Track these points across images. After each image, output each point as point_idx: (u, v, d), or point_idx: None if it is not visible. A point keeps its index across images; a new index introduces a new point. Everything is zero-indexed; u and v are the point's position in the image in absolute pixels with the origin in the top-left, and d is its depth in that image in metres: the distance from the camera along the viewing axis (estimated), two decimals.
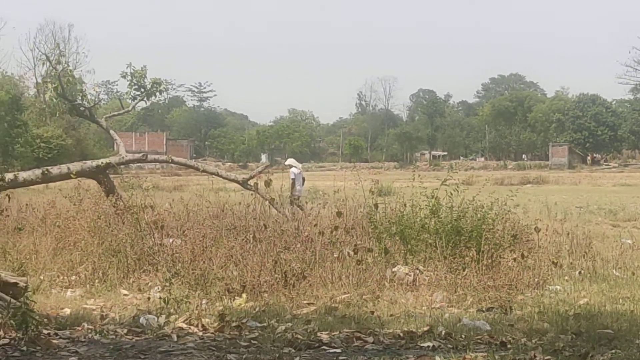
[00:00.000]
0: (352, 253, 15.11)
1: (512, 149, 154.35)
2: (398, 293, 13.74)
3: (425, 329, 10.63)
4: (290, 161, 30.55)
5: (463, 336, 10.29)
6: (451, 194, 16.42)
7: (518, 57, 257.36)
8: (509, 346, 9.72)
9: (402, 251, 15.84)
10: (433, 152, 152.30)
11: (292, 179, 28.17)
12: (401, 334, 10.36)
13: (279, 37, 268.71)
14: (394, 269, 14.86)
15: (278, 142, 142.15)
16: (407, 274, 14.64)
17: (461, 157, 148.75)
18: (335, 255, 15.17)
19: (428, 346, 9.73)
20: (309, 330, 10.20)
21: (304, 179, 29.76)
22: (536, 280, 14.49)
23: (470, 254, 14.76)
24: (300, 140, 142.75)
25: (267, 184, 19.59)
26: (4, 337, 9.16)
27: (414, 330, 10.63)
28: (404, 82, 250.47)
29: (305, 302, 13.11)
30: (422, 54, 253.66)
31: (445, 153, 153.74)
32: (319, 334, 10.16)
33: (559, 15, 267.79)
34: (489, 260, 14.86)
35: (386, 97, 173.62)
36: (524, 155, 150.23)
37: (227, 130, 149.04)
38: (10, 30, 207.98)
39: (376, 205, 17.15)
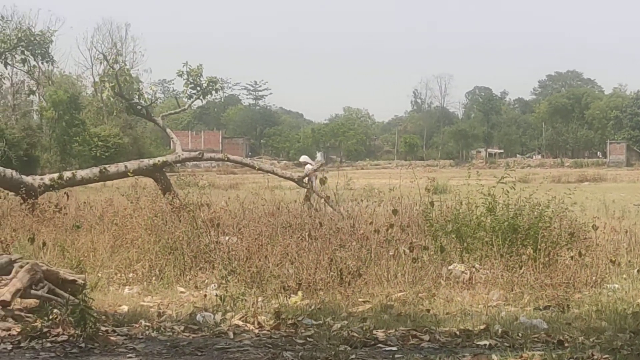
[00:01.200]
0: (407, 251, 15.06)
1: (569, 147, 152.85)
2: (454, 291, 13.69)
3: (482, 327, 10.58)
4: (304, 158, 30.75)
5: (520, 335, 10.22)
6: (507, 191, 16.32)
7: (575, 54, 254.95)
8: (566, 345, 9.65)
9: (458, 249, 15.78)
10: (489, 150, 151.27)
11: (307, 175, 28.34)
12: (457, 332, 10.32)
13: (334, 37, 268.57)
14: (450, 267, 14.80)
15: (333, 140, 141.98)
16: (463, 272, 14.58)
17: (517, 155, 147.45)
18: (390, 253, 15.13)
19: (484, 344, 9.68)
20: (364, 328, 10.19)
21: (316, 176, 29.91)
22: (594, 278, 14.33)
23: (527, 252, 14.67)
24: (355, 138, 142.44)
25: (323, 181, 19.60)
26: (63, 334, 9.25)
27: (470, 328, 10.58)
28: (459, 79, 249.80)
29: (360, 300, 13.10)
30: (478, 51, 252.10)
31: (502, 151, 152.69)
32: (374, 332, 10.15)
33: (616, 13, 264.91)
34: (546, 259, 14.74)
35: (442, 95, 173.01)
36: (585, 153, 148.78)
37: (283, 128, 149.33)
38: (68, 30, 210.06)
39: (432, 203, 17.10)
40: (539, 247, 14.94)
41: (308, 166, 28.80)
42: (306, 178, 24.39)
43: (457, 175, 39.74)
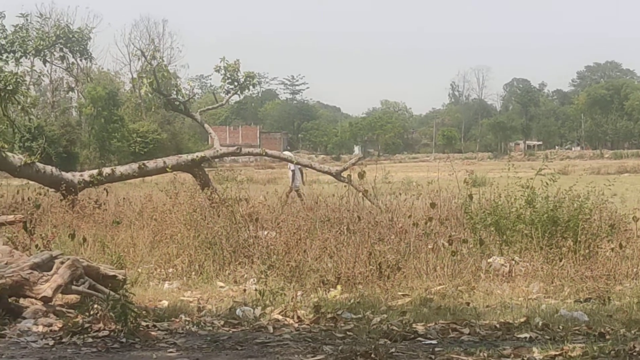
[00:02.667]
0: (446, 244, 15.03)
1: (608, 138, 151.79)
2: (494, 284, 13.64)
3: (522, 320, 10.53)
4: (287, 154, 30.97)
5: (560, 327, 10.17)
6: (547, 183, 16.23)
7: (614, 45, 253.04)
8: (607, 337, 9.59)
9: (498, 242, 15.72)
10: (527, 142, 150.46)
11: (292, 170, 28.58)
12: (497, 325, 10.28)
13: (370, 29, 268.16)
14: (489, 260, 14.75)
15: (371, 133, 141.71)
16: (502, 264, 14.53)
17: (556, 147, 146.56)
18: (429, 247, 15.11)
19: (525, 337, 9.64)
20: (404, 322, 10.18)
21: (300, 171, 30.23)
22: (635, 270, 14.23)
23: (567, 245, 14.59)
24: (393, 132, 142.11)
25: (361, 175, 19.58)
26: (104, 329, 9.30)
27: (510, 321, 10.54)
28: (497, 71, 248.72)
29: (400, 293, 13.08)
30: (515, 43, 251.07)
31: (540, 143, 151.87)
32: (414, 325, 10.14)
33: None
34: (586, 251, 14.65)
35: (479, 87, 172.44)
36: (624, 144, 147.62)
37: (320, 122, 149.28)
38: (106, 27, 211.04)
39: (471, 196, 17.04)
40: (579, 239, 14.85)
41: (290, 166, 29.12)
42: (346, 172, 24.39)
43: (495, 168, 39.52)
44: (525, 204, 16.14)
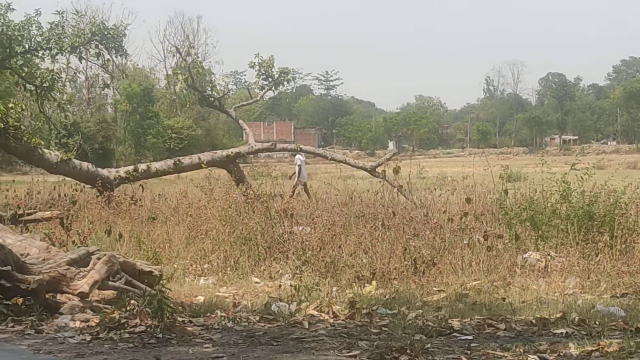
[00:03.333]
0: (482, 239, 14.99)
1: None
2: (529, 279, 13.59)
3: (558, 315, 10.48)
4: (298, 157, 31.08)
5: (597, 322, 10.12)
6: (582, 178, 16.14)
7: None
8: None
9: (533, 237, 15.64)
10: (563, 137, 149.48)
11: (299, 165, 28.62)
12: (533, 321, 10.24)
13: (404, 24, 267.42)
14: (525, 255, 14.70)
15: (405, 129, 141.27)
16: (538, 260, 14.46)
17: (592, 141, 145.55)
18: (464, 242, 15.07)
19: (561, 333, 9.60)
20: (439, 317, 10.17)
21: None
22: None
23: (603, 239, 14.49)
24: (428, 127, 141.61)
25: (395, 171, 19.57)
26: (141, 325, 9.35)
27: (546, 316, 10.49)
28: (532, 66, 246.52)
29: (435, 289, 13.07)
30: (550, 37, 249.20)
31: (576, 137, 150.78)
32: (449, 320, 10.12)
33: None
34: (623, 246, 14.55)
35: (514, 82, 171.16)
36: None
37: (354, 118, 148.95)
38: (141, 24, 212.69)
39: (506, 191, 16.98)
40: (615, 234, 14.75)
41: (299, 156, 29.13)
42: (380, 167, 24.43)
43: (531, 163, 39.27)
44: (561, 199, 16.06)
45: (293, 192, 25.74)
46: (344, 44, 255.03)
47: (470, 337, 9.28)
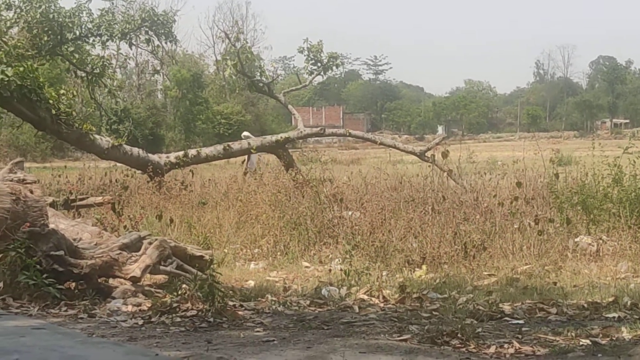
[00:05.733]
0: (532, 224, 14.90)
1: None
2: (581, 263, 13.50)
3: (610, 299, 10.39)
4: (246, 134, 31.05)
5: None
6: (634, 162, 15.98)
7: None
8: None
9: (585, 221, 15.53)
10: (614, 120, 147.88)
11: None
12: (585, 305, 10.16)
13: (454, 7, 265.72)
14: (576, 239, 14.60)
15: (454, 113, 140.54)
16: (590, 244, 14.36)
17: None
18: (515, 226, 15.00)
19: (613, 317, 9.51)
20: (490, 302, 10.12)
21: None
22: None
23: None
24: (477, 111, 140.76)
25: (445, 155, 19.49)
26: (192, 309, 9.40)
27: (598, 301, 10.41)
28: (583, 49, 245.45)
29: (485, 273, 13.02)
30: (601, 20, 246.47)
31: (627, 121, 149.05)
32: (500, 305, 10.07)
33: None
34: None
35: (565, 65, 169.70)
36: None
37: (403, 102, 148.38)
38: (190, 10, 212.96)
39: (557, 175, 16.86)
40: None
41: (248, 140, 29.12)
42: (430, 152, 24.38)
43: (581, 147, 38.93)
44: (613, 183, 15.92)
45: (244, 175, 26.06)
46: (393, 28, 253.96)
47: (521, 322, 9.24)
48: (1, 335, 6.85)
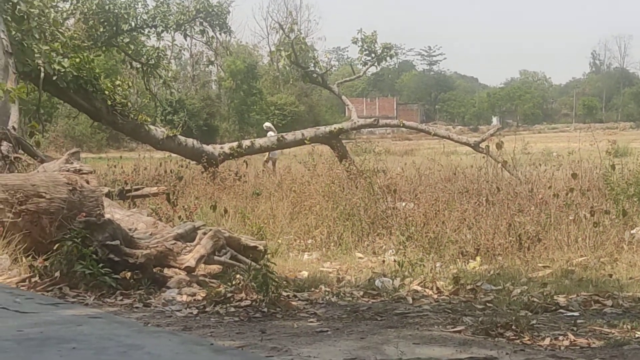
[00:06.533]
0: (588, 215, 14.78)
1: None
2: (637, 255, 13.37)
3: None
4: (267, 125, 31.11)
5: None
6: None
7: None
8: None
9: None
10: None
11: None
12: None
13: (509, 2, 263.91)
14: (632, 231, 14.46)
15: (509, 104, 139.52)
16: None
17: None
18: (570, 218, 14.89)
19: None
20: (545, 294, 10.05)
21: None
22: None
23: None
24: (532, 102, 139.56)
25: (499, 146, 19.39)
26: (246, 299, 9.44)
27: None
28: (639, 39, 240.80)
29: (540, 265, 12.95)
30: None
31: None
32: (555, 297, 10.00)
33: None
34: None
35: (621, 56, 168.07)
36: None
37: (457, 93, 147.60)
38: (244, 1, 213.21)
39: (613, 166, 16.71)
40: None
41: (270, 133, 29.20)
42: (484, 143, 24.27)
43: (638, 138, 38.61)
44: None
45: (264, 166, 26.26)
46: (448, 18, 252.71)
47: (576, 314, 9.17)
48: (59, 324, 6.93)
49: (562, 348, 7.33)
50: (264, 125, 33.52)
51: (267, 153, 28.61)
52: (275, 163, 28.58)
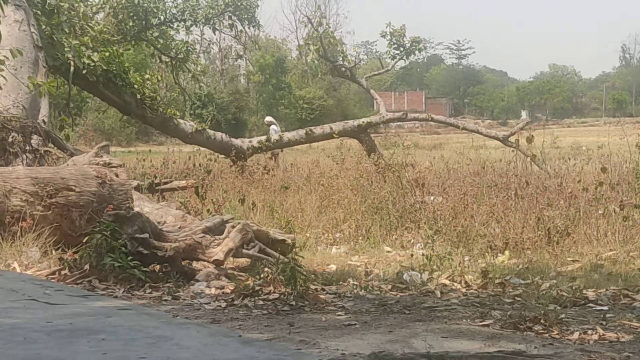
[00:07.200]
0: (617, 209, 14.71)
1: None
2: None
3: None
4: (269, 119, 31.16)
5: None
6: None
7: None
8: None
9: None
10: None
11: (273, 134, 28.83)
12: None
13: None
14: None
15: (538, 98, 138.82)
16: None
17: None
18: (600, 212, 14.81)
19: None
20: (574, 288, 10.01)
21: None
22: None
23: None
24: (561, 96, 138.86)
25: (529, 140, 19.33)
26: (274, 292, 9.47)
27: None
28: None
29: (569, 259, 12.90)
30: None
31: None
32: (584, 291, 9.96)
33: None
34: None
35: None
36: None
37: (486, 87, 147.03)
38: None
39: None
40: None
41: (273, 127, 29.24)
42: (513, 137, 24.22)
43: None
44: None
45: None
46: (476, 12, 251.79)
47: (605, 308, 9.13)
48: (88, 315, 6.98)
49: (591, 342, 7.31)
50: (265, 119, 33.64)
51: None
52: (278, 155, 28.69)
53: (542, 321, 7.89)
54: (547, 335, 7.57)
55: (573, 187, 16.11)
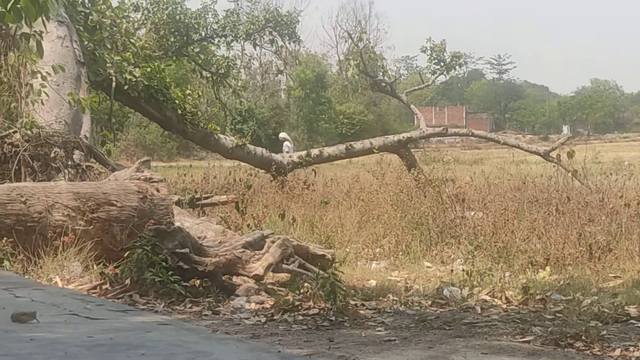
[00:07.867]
0: None
1: None
2: None
3: None
4: (283, 135, 31.16)
5: None
6: None
7: None
8: None
9: None
10: None
11: (287, 152, 28.77)
12: None
13: (578, 7, 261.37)
14: None
15: (580, 113, 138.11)
16: None
17: None
18: None
19: None
20: (616, 304, 9.94)
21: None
22: None
23: None
24: (603, 111, 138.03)
25: (570, 155, 19.23)
26: (314, 307, 9.48)
27: None
28: None
29: (611, 275, 12.81)
30: None
31: None
32: (626, 307, 9.89)
33: None
34: None
35: None
36: None
37: (527, 102, 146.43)
38: (313, 10, 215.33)
39: None
40: None
41: (287, 143, 29.25)
42: (554, 152, 24.11)
43: None
44: None
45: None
46: (517, 27, 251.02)
47: None
48: (128, 330, 7.01)
49: (633, 359, 7.26)
50: (279, 135, 33.75)
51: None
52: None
53: (583, 338, 7.85)
54: (588, 352, 7.53)
55: (615, 203, 15.99)
